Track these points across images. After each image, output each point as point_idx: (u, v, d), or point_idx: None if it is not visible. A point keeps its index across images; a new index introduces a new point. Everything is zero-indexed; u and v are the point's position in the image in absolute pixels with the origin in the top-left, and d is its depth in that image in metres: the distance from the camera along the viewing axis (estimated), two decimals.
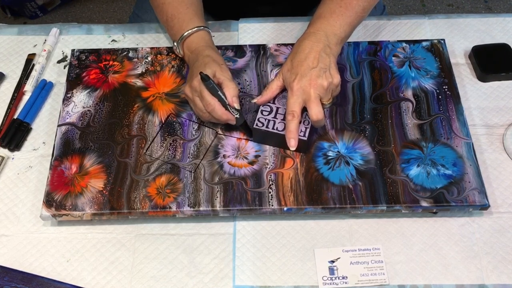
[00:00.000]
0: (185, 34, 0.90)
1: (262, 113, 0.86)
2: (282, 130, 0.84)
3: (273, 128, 0.85)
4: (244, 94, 0.92)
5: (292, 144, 0.82)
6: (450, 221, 0.83)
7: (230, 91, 0.82)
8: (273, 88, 0.87)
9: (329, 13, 0.87)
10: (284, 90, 0.87)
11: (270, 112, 0.86)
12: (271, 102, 0.88)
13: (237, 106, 0.83)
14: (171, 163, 0.85)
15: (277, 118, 0.86)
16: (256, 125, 0.85)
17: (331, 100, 0.85)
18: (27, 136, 0.93)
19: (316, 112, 0.81)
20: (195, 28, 0.90)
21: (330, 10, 0.88)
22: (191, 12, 0.92)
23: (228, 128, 0.88)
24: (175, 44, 0.93)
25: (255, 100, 0.87)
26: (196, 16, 0.92)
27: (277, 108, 0.87)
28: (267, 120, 0.85)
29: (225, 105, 0.82)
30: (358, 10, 0.89)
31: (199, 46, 0.89)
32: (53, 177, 0.84)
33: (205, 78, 0.81)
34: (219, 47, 0.97)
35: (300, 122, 0.83)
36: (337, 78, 0.83)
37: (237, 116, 0.83)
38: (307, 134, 0.84)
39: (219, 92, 0.82)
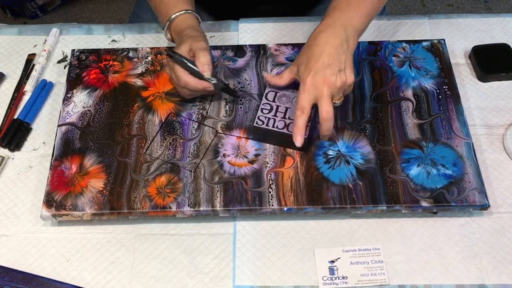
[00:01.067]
0: (171, 18, 0.91)
1: (262, 111, 0.87)
2: (282, 128, 0.84)
3: (273, 126, 0.85)
4: (244, 94, 0.92)
5: (299, 140, 0.79)
6: (450, 221, 0.83)
7: (201, 60, 0.84)
8: (283, 77, 0.86)
9: (346, 4, 0.85)
10: (292, 83, 0.87)
11: (270, 110, 0.86)
12: (271, 100, 0.88)
13: (207, 74, 0.84)
14: (171, 163, 0.85)
15: (277, 116, 0.86)
16: (256, 123, 0.85)
17: (342, 99, 0.83)
18: (27, 136, 0.93)
19: (327, 111, 0.79)
20: (179, 12, 0.91)
21: (347, 2, 0.85)
22: None
23: (228, 127, 0.88)
24: (164, 29, 0.93)
25: (265, 75, 0.88)
26: (181, 0, 0.93)
27: (277, 107, 0.87)
28: (267, 119, 0.85)
29: (198, 75, 0.83)
30: (374, 1, 0.86)
31: (182, 28, 0.90)
32: (53, 177, 0.84)
33: (170, 55, 0.82)
34: (219, 47, 0.98)
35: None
36: (351, 78, 0.81)
37: (214, 82, 0.84)
38: (307, 132, 0.84)
39: (189, 64, 0.83)
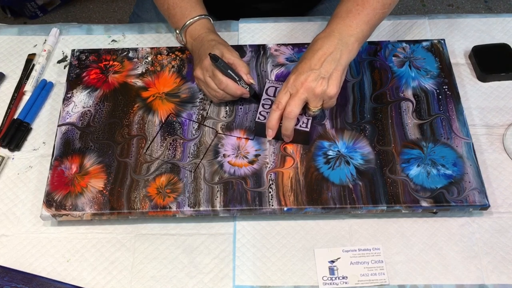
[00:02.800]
0: (188, 22, 0.92)
1: (263, 106, 0.87)
2: None
3: None
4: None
5: (270, 134, 0.84)
6: (450, 221, 0.83)
7: (243, 69, 0.86)
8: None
9: (346, 12, 0.85)
10: None
11: (271, 106, 0.86)
12: (272, 95, 0.88)
13: (253, 81, 0.87)
14: (171, 163, 0.85)
15: None
16: (258, 118, 0.85)
17: (319, 108, 0.83)
18: (27, 136, 0.93)
19: (291, 110, 0.81)
20: (197, 17, 0.92)
21: (347, 10, 0.85)
22: (193, 1, 0.94)
23: (228, 127, 0.89)
24: (177, 32, 0.94)
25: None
26: (197, 4, 0.94)
27: None
28: (268, 114, 0.85)
29: (236, 81, 0.85)
30: (376, 6, 0.85)
31: (202, 33, 0.91)
32: (53, 177, 0.84)
33: (215, 58, 0.83)
34: None
35: (301, 115, 0.84)
36: (333, 90, 0.81)
37: (249, 88, 0.87)
38: (309, 126, 0.84)
39: (229, 70, 0.84)
